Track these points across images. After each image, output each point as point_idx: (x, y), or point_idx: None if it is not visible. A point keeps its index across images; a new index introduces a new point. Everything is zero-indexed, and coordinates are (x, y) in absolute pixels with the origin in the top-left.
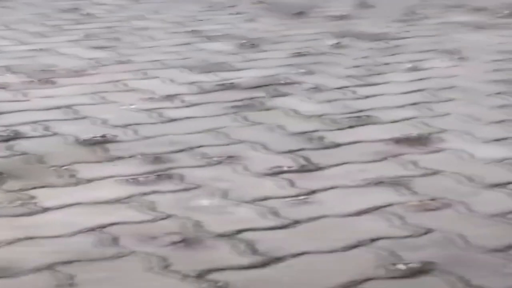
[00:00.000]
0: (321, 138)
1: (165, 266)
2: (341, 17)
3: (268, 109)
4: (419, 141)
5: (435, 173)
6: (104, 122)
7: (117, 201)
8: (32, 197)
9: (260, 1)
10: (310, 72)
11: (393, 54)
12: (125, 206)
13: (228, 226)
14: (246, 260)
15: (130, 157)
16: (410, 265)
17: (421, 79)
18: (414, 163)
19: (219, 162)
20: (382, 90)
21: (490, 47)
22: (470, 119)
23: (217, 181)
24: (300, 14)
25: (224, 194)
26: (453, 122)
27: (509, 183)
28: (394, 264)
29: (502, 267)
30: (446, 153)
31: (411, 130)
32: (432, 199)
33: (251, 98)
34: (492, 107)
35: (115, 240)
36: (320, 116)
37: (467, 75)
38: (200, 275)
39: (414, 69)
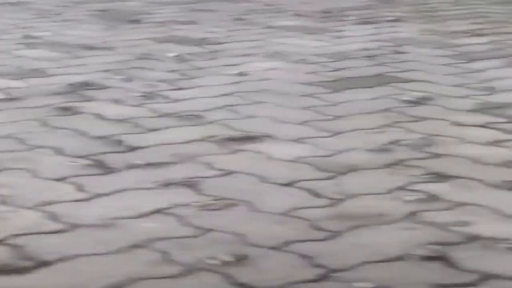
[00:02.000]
0: (119, 142)
1: None
2: (167, 23)
3: (74, 114)
4: (220, 143)
5: (228, 174)
6: None
7: None
8: None
9: None
10: (127, 78)
11: (212, 59)
12: None
13: (2, 233)
14: (13, 265)
15: None
16: (183, 265)
17: (236, 83)
18: (210, 164)
19: (7, 168)
20: (194, 93)
21: (308, 50)
22: (276, 121)
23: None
24: (134, 21)
25: (3, 201)
26: (258, 124)
27: (299, 180)
28: (167, 265)
29: (280, 264)
30: (244, 154)
31: (216, 132)
32: (219, 199)
33: (59, 103)
34: (300, 108)
35: None
36: (125, 120)
37: (283, 78)
38: None
39: (232, 72)
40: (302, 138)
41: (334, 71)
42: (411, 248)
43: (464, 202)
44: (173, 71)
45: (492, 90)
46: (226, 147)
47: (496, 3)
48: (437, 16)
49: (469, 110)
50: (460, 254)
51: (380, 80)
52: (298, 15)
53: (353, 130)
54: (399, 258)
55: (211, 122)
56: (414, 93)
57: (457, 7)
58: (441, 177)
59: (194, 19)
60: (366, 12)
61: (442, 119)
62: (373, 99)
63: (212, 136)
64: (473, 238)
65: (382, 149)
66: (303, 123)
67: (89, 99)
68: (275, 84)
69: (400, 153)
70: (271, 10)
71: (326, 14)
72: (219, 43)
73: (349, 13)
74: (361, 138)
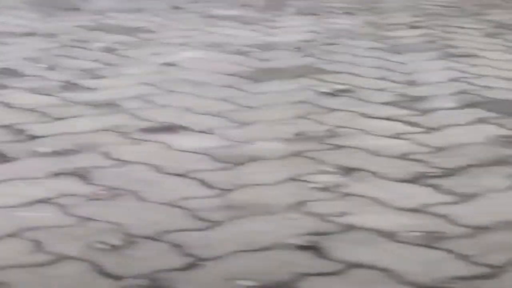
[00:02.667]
0: (22, 131)
1: None
2: (104, 11)
3: None
4: (126, 133)
5: (124, 164)
6: None
7: None
8: None
9: None
10: (49, 67)
11: (141, 48)
12: None
13: None
14: None
15: None
16: (54, 254)
17: (159, 72)
18: (108, 154)
19: None
20: (114, 83)
21: (240, 40)
22: (189, 111)
23: None
24: (74, 9)
25: None
26: (171, 115)
27: (194, 171)
28: (37, 253)
29: (152, 253)
30: (147, 145)
31: (126, 122)
32: (107, 189)
33: None
34: (216, 99)
35: None
36: (33, 109)
37: (207, 68)
38: None
39: (158, 62)
40: (211, 129)
41: (261, 61)
42: (288, 237)
43: (354, 193)
44: (97, 60)
45: (413, 83)
46: (130, 137)
47: None
48: (379, 8)
49: (384, 103)
50: (333, 244)
51: (304, 71)
52: (239, 4)
53: (264, 121)
54: (272, 248)
55: (123, 112)
56: (335, 85)
57: (401, 0)
58: (337, 168)
59: (133, 7)
60: (309, 3)
61: (353, 111)
62: (292, 90)
63: (120, 126)
64: (351, 229)
65: (287, 140)
66: (216, 113)
67: (4, 87)
68: (198, 74)
69: (303, 145)
70: (213, 0)
71: (268, 4)
72: (152, 32)
73: (292, 3)
74: (269, 129)
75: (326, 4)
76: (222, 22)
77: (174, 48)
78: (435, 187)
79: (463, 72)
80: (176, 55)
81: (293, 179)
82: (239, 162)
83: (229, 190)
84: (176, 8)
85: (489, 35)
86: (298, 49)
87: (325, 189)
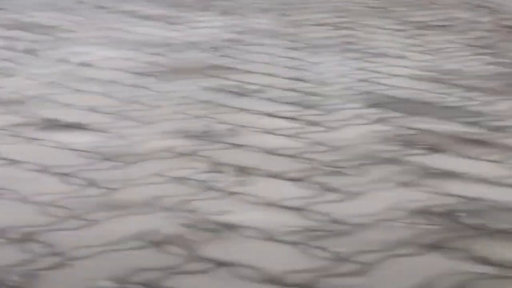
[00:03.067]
0: None
1: None
2: (26, 10)
3: None
4: (17, 131)
5: (10, 163)
6: None
7: None
8: None
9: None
10: None
11: (55, 47)
12: None
13: None
14: None
15: None
16: None
17: (66, 71)
18: None
19: None
20: (18, 82)
21: (158, 39)
22: (90, 110)
23: None
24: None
25: None
26: (70, 113)
27: (81, 170)
28: None
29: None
30: (38, 143)
31: (21, 120)
32: None
33: None
34: (120, 98)
35: None
36: None
37: (117, 67)
38: None
39: (69, 61)
40: (109, 128)
41: (174, 61)
42: (153, 234)
43: (241, 192)
44: (10, 59)
45: (323, 83)
46: (25, 136)
47: None
48: (304, 9)
49: (290, 103)
50: (205, 242)
51: (217, 71)
52: (166, 4)
53: (165, 120)
54: (144, 247)
55: (24, 111)
56: (245, 85)
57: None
58: (230, 167)
59: (57, 6)
60: (236, 2)
61: (258, 111)
62: (200, 89)
63: (17, 125)
64: (228, 228)
65: (185, 139)
66: (117, 112)
67: None
68: (109, 73)
69: (200, 144)
70: None
71: (192, 3)
72: (72, 31)
73: (219, 3)
74: (169, 128)
75: (253, 4)
76: (145, 21)
77: (91, 47)
78: (322, 185)
79: (376, 72)
80: (92, 55)
81: (183, 178)
82: (130, 161)
83: (114, 189)
84: (100, 7)
85: (410, 36)
86: (215, 48)
87: (212, 188)
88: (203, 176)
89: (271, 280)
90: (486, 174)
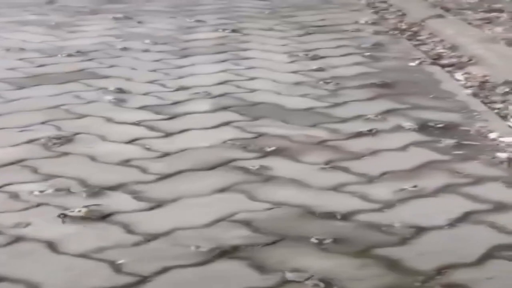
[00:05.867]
0: None
1: None
2: None
3: None
4: None
5: None
6: None
7: None
8: None
9: None
10: None
11: None
12: None
13: None
14: None
15: None
16: None
17: None
18: None
19: None
20: None
21: (29, 45)
22: None
23: None
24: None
25: None
26: None
27: None
28: None
29: None
30: None
31: None
32: None
33: None
34: None
35: None
36: None
37: None
38: None
39: None
40: None
41: (37, 67)
42: None
43: (44, 203)
44: None
45: (181, 88)
46: None
47: None
48: (191, 11)
49: (140, 107)
50: None
51: (77, 76)
52: (51, 9)
53: (9, 128)
54: None
55: None
56: (102, 90)
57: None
58: (45, 177)
59: None
60: (128, 7)
61: (104, 117)
62: (54, 95)
63: None
64: (18, 240)
65: (20, 147)
66: None
67: None
68: None
69: (30, 152)
70: (29, 5)
71: (83, 9)
72: None
73: (110, 8)
74: (12, 136)
75: (143, 8)
76: (26, 27)
77: None
78: (136, 194)
79: (238, 75)
80: None
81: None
82: None
83: None
84: None
85: (285, 37)
86: (80, 52)
87: (16, 198)
88: (14, 187)
89: None
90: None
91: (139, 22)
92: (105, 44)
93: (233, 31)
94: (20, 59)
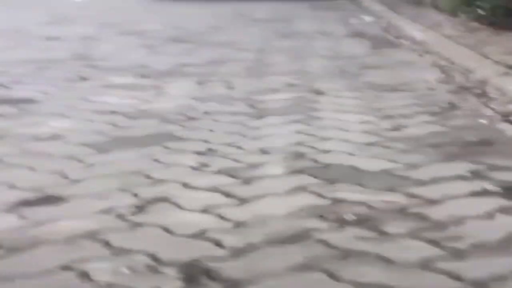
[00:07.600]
0: None
1: None
2: None
3: None
4: None
5: None
6: None
7: None
8: None
9: None
10: None
11: (15, 119)
12: None
13: None
14: None
15: None
16: None
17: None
18: None
19: None
20: None
21: (118, 108)
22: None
23: None
24: None
25: None
26: None
27: None
28: None
29: None
30: None
31: None
32: None
33: None
34: (51, 171)
35: None
36: None
37: (67, 140)
38: None
39: (24, 133)
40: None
41: (121, 129)
42: None
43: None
44: None
45: (256, 152)
46: None
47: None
48: (263, 72)
49: (215, 172)
50: None
51: (159, 139)
52: (134, 73)
53: (87, 196)
54: None
55: None
56: (178, 155)
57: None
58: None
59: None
60: (205, 69)
61: (178, 182)
62: (131, 160)
63: None
64: None
65: (99, 215)
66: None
67: None
68: (57, 145)
69: (112, 221)
70: (115, 69)
71: (167, 72)
72: (38, 102)
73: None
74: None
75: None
76: (114, 90)
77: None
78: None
79: (310, 135)
80: (45, 126)
81: None
82: None
83: None
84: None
85: (357, 97)
86: (163, 118)
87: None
88: None
89: None
90: None
91: (215, 83)
92: (187, 106)
93: (304, 91)
94: (106, 123)
